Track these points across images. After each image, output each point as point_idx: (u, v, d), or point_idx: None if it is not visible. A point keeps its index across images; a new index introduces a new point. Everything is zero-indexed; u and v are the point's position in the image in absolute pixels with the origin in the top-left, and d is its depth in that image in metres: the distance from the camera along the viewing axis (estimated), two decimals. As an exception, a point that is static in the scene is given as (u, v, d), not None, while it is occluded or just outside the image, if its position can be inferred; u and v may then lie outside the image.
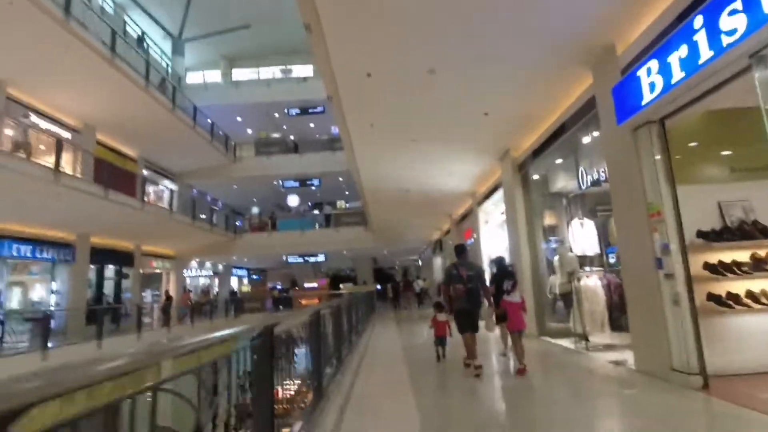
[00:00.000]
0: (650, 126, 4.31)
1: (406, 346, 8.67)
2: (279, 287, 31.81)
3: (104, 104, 15.05)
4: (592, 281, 6.25)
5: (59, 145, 10.93)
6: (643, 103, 4.09)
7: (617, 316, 5.93)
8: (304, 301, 22.34)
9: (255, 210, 26.05)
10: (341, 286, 24.53)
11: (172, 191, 17.60)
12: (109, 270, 18.16)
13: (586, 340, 6.22)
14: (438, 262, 24.56)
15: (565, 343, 7.02)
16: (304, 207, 25.39)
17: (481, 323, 5.66)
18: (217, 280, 30.76)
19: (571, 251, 7.26)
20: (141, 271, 20.26)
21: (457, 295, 5.44)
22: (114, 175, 14.49)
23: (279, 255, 24.68)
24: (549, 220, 8.06)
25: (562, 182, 7.74)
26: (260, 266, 36.73)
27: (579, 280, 6.27)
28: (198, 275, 29.49)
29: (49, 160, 10.90)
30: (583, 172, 6.40)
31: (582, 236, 7.60)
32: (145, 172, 20.21)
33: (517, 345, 5.21)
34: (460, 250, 5.95)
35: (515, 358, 5.30)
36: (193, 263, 25.59)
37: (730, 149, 4.75)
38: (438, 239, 22.39)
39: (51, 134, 12.36)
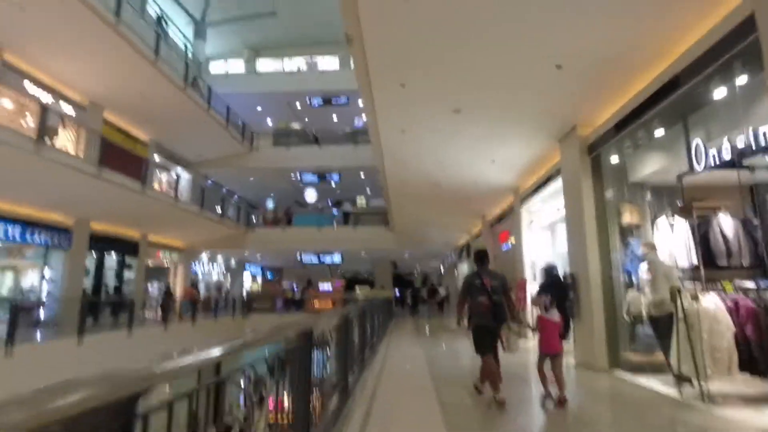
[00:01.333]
0: None
1: (437, 372, 6.88)
2: (294, 287, 30.41)
3: (111, 79, 13.86)
4: (710, 302, 4.36)
5: (43, 111, 9.63)
6: None
7: (758, 355, 4.03)
8: (317, 304, 20.76)
9: (270, 204, 24.67)
10: (357, 288, 22.85)
11: (178, 176, 16.29)
12: (111, 259, 17.00)
13: (693, 383, 4.35)
14: (464, 268, 22.59)
15: (656, 384, 5.13)
16: (323, 204, 23.86)
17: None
18: (228, 276, 29.62)
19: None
20: (147, 262, 19.09)
21: (479, 310, 4.64)
22: (118, 156, 13.25)
23: (293, 252, 23.19)
24: (629, 218, 6.17)
25: (652, 167, 5.85)
26: (275, 264, 35.48)
27: (693, 299, 4.38)
28: (210, 270, 28.37)
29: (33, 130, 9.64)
30: (700, 148, 4.52)
31: (671, 241, 5.70)
32: (156, 157, 19.11)
33: (556, 370, 4.51)
34: (481, 256, 5.06)
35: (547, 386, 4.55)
36: (203, 257, 24.39)
37: None
38: (465, 243, 20.48)
39: (34, 99, 11.12)
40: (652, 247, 5.35)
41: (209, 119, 18.05)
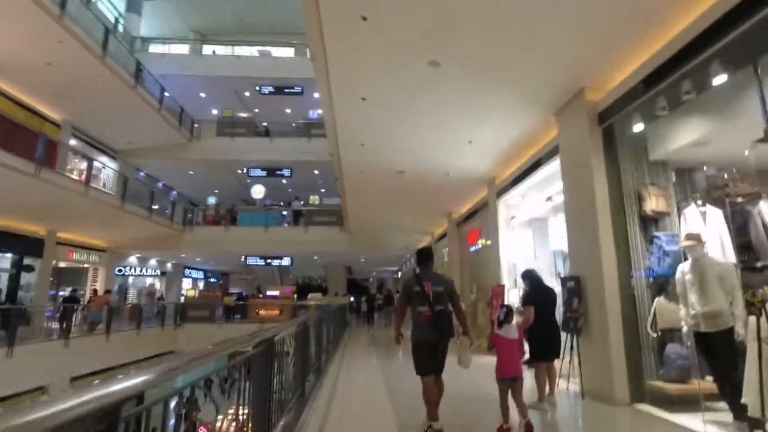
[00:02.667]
0: None
1: (398, 396, 5.17)
2: (238, 294, 27.76)
3: (2, 37, 11.25)
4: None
5: None
6: None
7: None
8: (262, 312, 18.50)
9: (211, 200, 22.11)
10: (309, 296, 20.78)
11: (90, 159, 13.67)
12: (5, 259, 14.04)
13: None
14: (424, 274, 21.18)
15: (697, 424, 3.71)
16: (273, 202, 21.64)
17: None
18: (164, 282, 26.54)
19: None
20: (54, 263, 16.13)
21: (419, 322, 3.93)
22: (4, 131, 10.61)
23: (237, 255, 20.77)
24: (654, 204, 4.79)
25: (687, 137, 4.51)
26: (220, 268, 32.52)
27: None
28: (142, 274, 25.27)
29: None
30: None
31: (704, 232, 4.38)
32: (73, 141, 16.27)
33: (516, 396, 3.89)
34: (425, 255, 4.29)
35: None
36: (132, 259, 21.41)
37: None
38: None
39: None
40: (698, 240, 3.95)
41: (137, 99, 15.52)
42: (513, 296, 8.05)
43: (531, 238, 8.44)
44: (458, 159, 8.25)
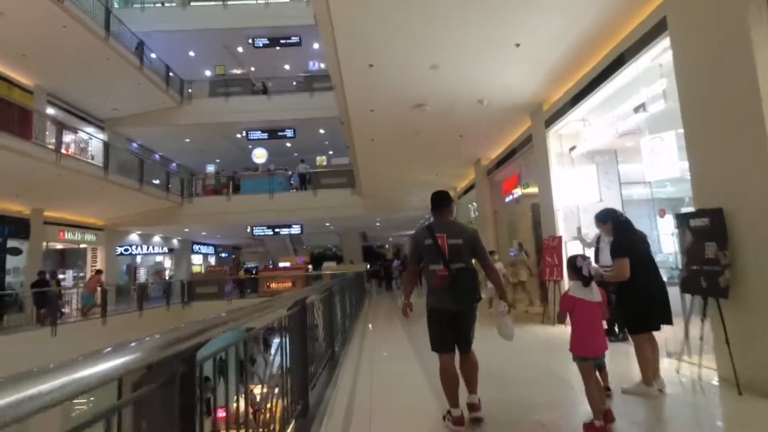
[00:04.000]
0: None
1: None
2: (251, 267, 26.61)
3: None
4: None
5: None
6: None
7: None
8: (274, 285, 17.18)
9: (210, 167, 20.46)
10: (324, 265, 19.39)
11: (61, 124, 12.03)
12: (-14, 242, 12.78)
13: None
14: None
15: None
16: (277, 167, 19.90)
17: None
18: (170, 260, 25.46)
19: None
20: (46, 244, 14.88)
21: (433, 285, 3.09)
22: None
23: (242, 226, 19.30)
24: None
25: None
26: (230, 242, 31.34)
27: None
28: (149, 253, 24.18)
29: None
30: None
31: None
32: (51, 110, 14.62)
33: (604, 378, 3.11)
34: (438, 200, 3.29)
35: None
36: (134, 237, 20.15)
37: None
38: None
39: None
40: None
41: (114, 56, 13.65)
42: (572, 251, 6.29)
43: (594, 175, 6.57)
44: (498, 77, 6.31)
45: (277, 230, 19.02)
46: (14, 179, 11.30)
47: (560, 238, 6.71)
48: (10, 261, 13.31)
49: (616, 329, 5.18)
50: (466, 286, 3.02)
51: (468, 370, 3.12)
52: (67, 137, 12.01)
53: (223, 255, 32.80)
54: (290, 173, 19.09)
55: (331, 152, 22.91)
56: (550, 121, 6.99)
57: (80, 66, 13.54)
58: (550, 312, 6.81)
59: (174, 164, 22.86)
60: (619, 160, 6.62)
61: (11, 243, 13.31)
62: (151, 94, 16.77)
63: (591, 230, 5.66)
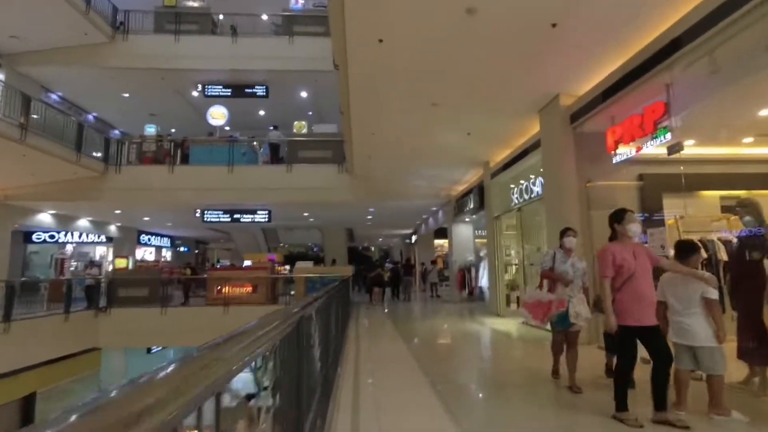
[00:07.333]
0: None
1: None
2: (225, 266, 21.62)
3: None
4: None
5: None
6: None
7: None
8: (224, 289, 12.35)
9: (151, 129, 15.46)
10: (296, 265, 14.63)
11: None
12: None
13: None
14: (462, 231, 14.90)
15: None
16: (242, 134, 15.09)
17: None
18: (110, 252, 20.37)
19: None
20: None
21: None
22: None
23: (190, 208, 14.37)
24: None
25: None
26: (191, 234, 26.13)
27: None
28: (79, 241, 19.09)
29: None
30: None
31: None
32: None
33: None
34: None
35: None
36: (44, 217, 15.04)
37: None
38: (469, 189, 12.70)
39: None
40: None
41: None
42: None
43: None
44: None
45: (236, 216, 14.15)
46: None
47: None
48: None
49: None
50: None
51: None
52: None
53: (181, 249, 27.66)
54: (259, 146, 14.31)
55: (310, 113, 18.10)
56: None
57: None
58: None
59: (118, 132, 17.76)
60: None
61: None
62: (68, 19, 11.92)
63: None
